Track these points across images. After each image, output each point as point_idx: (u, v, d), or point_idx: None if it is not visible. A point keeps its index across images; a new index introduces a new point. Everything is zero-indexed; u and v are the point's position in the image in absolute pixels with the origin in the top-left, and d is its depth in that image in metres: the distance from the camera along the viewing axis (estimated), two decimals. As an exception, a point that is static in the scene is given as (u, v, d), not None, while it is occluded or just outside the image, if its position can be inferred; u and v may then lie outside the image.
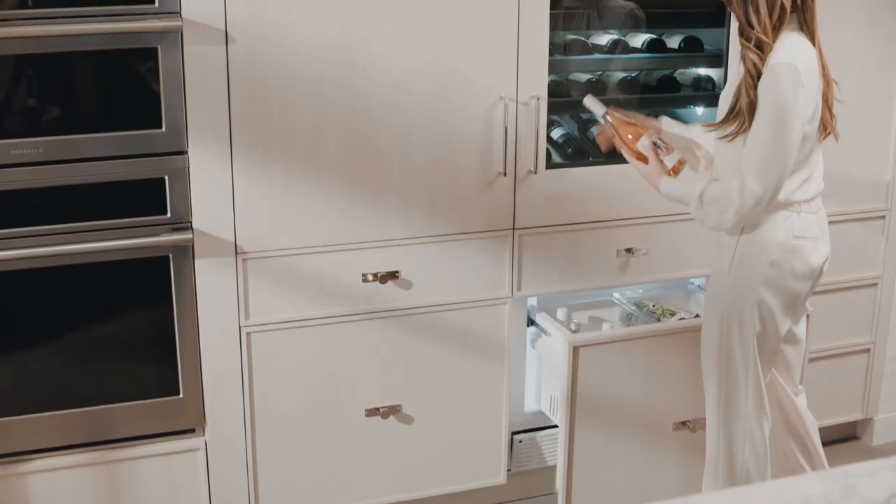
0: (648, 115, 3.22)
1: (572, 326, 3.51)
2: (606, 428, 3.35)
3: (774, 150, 2.70)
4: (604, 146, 3.14)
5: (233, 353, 3.13)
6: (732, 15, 2.85)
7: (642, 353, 3.35)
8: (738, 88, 2.78)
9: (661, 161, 2.91)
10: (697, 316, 3.52)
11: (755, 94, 2.72)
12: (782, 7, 2.73)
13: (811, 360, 3.73)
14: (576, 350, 3.24)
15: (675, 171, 2.91)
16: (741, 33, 2.80)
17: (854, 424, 4.16)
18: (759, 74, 2.72)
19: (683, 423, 3.44)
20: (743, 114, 2.75)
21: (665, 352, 3.37)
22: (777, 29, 2.74)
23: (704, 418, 3.16)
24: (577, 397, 3.28)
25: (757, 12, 2.73)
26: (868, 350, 3.98)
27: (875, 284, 3.91)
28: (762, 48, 2.74)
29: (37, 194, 2.85)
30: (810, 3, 2.80)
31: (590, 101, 2.63)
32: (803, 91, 2.70)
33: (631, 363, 3.34)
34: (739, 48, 2.80)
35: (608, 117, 2.88)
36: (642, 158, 2.94)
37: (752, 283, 2.87)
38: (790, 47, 2.74)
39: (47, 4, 2.74)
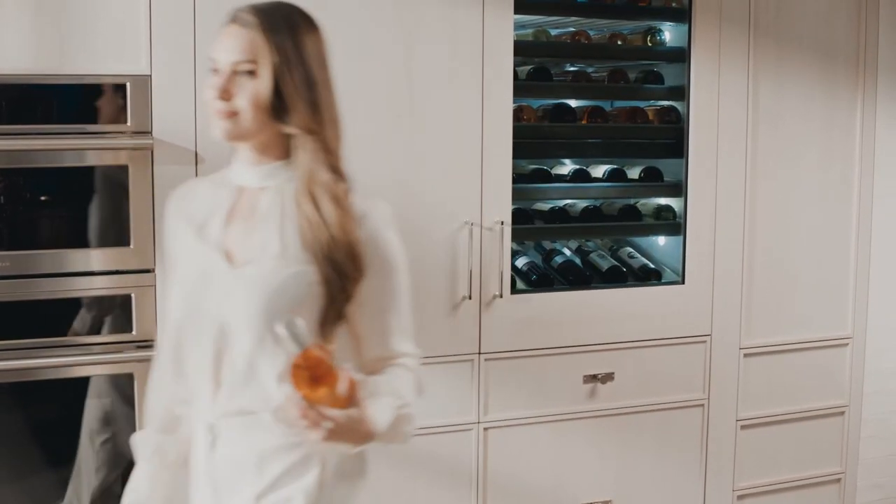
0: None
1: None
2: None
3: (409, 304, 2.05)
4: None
5: (195, 476, 3.07)
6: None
7: (550, 435, 3.49)
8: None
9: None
10: None
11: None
12: None
13: (782, 490, 3.72)
14: (486, 431, 3.40)
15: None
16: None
17: (828, 558, 4.10)
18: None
19: (591, 504, 3.60)
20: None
21: (572, 434, 3.51)
22: None
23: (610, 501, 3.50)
24: (489, 480, 3.44)
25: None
26: (839, 480, 3.95)
27: (843, 413, 3.92)
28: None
29: (2, 308, 2.85)
30: None
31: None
32: None
33: (539, 444, 3.48)
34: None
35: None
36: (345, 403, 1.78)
37: None
38: None
39: (19, 120, 2.81)
